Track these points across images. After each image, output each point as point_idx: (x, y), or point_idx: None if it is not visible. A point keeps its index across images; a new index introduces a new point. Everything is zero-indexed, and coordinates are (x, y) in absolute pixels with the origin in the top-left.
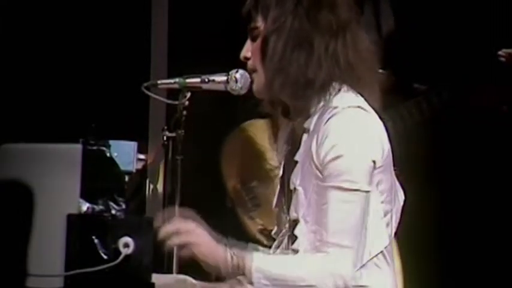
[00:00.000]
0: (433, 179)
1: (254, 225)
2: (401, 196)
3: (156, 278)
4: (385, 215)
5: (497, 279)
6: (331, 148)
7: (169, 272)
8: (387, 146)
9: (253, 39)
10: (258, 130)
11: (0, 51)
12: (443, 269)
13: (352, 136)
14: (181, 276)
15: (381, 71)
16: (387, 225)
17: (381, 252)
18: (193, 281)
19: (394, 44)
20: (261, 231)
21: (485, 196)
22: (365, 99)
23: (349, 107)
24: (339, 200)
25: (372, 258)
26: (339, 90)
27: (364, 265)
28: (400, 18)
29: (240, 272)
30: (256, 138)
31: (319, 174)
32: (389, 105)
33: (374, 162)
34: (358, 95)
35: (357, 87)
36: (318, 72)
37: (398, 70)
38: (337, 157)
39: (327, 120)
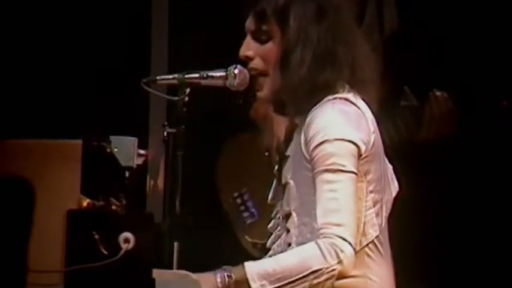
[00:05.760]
0: (431, 175)
1: (246, 242)
2: (394, 187)
3: (156, 273)
4: (374, 205)
5: (497, 279)
6: (314, 135)
7: (170, 267)
8: (375, 137)
9: (261, 42)
10: (243, 145)
11: (0, 47)
12: (441, 267)
13: (333, 122)
14: (182, 272)
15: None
16: (377, 215)
17: (372, 242)
18: (194, 276)
19: (395, 46)
20: (254, 246)
21: (485, 193)
22: (364, 99)
23: (334, 98)
24: (327, 182)
25: (363, 247)
26: (343, 91)
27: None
28: (405, 19)
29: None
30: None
31: (308, 165)
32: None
33: (358, 147)
34: (357, 95)
35: (361, 88)
36: (340, 80)
37: (394, 73)
38: (321, 143)
39: (311, 111)
